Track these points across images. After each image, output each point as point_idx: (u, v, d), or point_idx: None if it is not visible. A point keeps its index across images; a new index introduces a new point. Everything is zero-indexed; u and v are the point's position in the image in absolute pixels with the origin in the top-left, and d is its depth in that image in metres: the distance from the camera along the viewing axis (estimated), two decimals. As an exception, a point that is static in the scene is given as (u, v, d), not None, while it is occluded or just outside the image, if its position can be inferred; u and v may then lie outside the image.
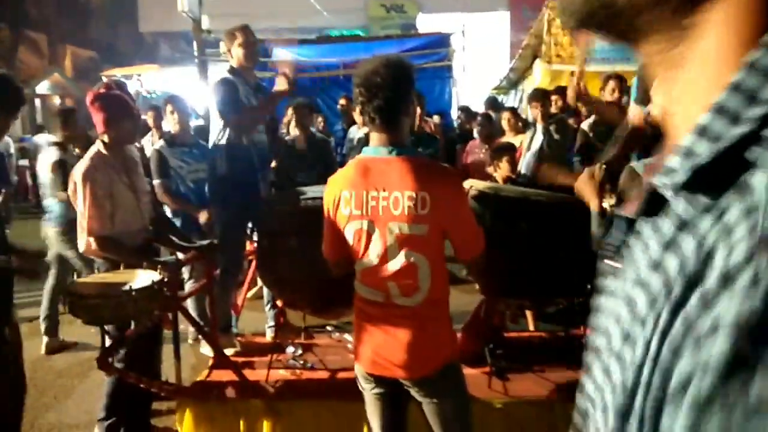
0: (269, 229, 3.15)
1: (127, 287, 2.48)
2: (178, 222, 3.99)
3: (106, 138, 2.97)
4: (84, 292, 2.50)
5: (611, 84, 5.18)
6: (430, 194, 1.82)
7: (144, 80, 16.33)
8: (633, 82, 3.19)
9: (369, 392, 2.07)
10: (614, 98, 5.05)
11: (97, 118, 2.95)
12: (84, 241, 2.93)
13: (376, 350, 1.97)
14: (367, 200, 1.87)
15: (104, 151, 2.96)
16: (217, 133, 3.56)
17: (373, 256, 1.90)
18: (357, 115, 4.54)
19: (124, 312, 2.50)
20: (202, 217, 3.94)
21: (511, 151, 4.58)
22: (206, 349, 4.19)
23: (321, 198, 3.03)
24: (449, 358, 2.00)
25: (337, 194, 1.94)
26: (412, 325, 1.92)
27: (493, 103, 6.80)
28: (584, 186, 2.22)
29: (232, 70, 3.62)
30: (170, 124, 4.28)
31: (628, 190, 2.04)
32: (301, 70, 10.21)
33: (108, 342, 2.88)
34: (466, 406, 2.09)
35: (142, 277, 2.65)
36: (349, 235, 1.93)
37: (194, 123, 11.36)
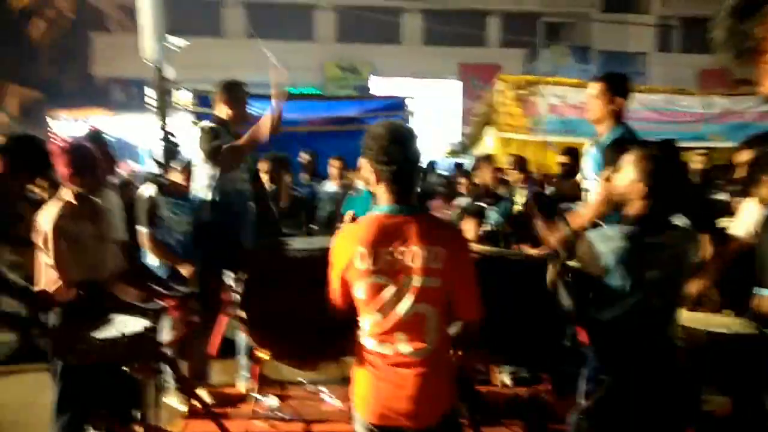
0: (254, 278, 3.19)
1: (119, 332, 2.47)
2: (165, 271, 3.94)
3: (73, 188, 2.98)
4: (76, 335, 2.47)
5: (565, 157, 5.65)
6: (444, 249, 1.97)
7: (93, 124, 16.05)
8: (588, 154, 3.47)
9: None
10: (566, 169, 5.50)
11: (63, 170, 2.95)
12: (49, 288, 2.89)
13: (382, 401, 2.03)
14: (383, 255, 1.98)
15: (73, 201, 2.96)
16: (203, 181, 3.62)
17: (386, 308, 1.99)
18: (367, 174, 4.63)
19: (115, 357, 2.48)
20: (185, 270, 3.88)
21: (479, 215, 4.83)
22: (171, 400, 4.10)
23: (308, 250, 3.17)
24: (451, 407, 2.10)
25: (351, 250, 2.02)
26: (418, 376, 2.00)
27: (459, 167, 7.14)
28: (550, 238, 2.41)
29: (218, 120, 3.70)
30: (176, 177, 4.22)
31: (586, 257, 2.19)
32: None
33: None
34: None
35: (132, 323, 2.64)
36: (362, 290, 2.01)
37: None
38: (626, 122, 3.30)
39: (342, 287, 2.09)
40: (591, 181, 3.38)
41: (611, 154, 3.04)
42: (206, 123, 3.73)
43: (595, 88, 3.28)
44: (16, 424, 3.94)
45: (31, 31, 21.13)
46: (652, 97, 9.45)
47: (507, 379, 4.53)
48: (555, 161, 6.33)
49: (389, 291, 1.98)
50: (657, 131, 3.31)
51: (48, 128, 16.49)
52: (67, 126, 15.61)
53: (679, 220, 2.20)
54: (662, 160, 2.13)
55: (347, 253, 2.03)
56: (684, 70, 20.04)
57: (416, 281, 1.96)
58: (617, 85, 3.27)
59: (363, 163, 4.59)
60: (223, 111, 3.75)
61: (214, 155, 3.52)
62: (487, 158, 5.28)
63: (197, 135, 3.68)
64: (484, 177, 4.99)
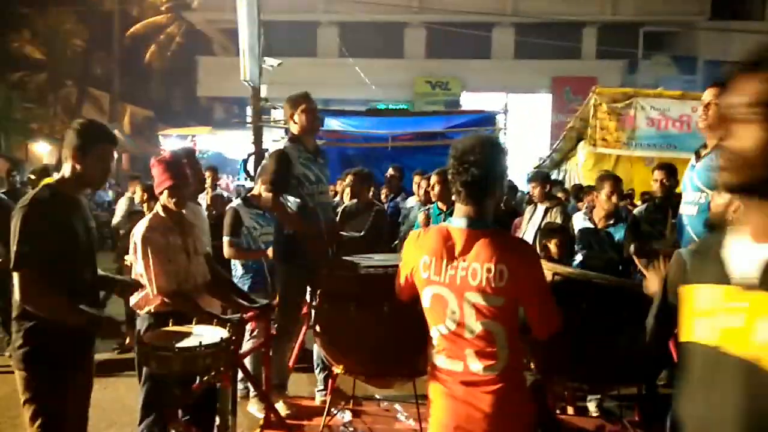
0: (330, 293, 3.22)
1: (199, 342, 2.57)
2: (249, 279, 4.09)
3: (164, 201, 3.13)
4: (157, 343, 2.60)
5: (661, 173, 5.29)
6: (507, 267, 1.89)
7: (197, 141, 17.19)
8: (701, 165, 3.23)
9: None
10: (663, 186, 5.16)
11: (156, 181, 3.12)
12: (140, 296, 3.06)
13: (454, 420, 1.98)
14: (446, 268, 1.95)
15: (162, 214, 3.12)
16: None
17: (450, 323, 1.96)
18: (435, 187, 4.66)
19: (193, 366, 2.58)
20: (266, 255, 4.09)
21: (561, 232, 4.60)
22: (253, 408, 4.21)
23: (384, 267, 3.16)
24: (528, 428, 2.03)
25: (418, 257, 2.03)
26: (491, 395, 1.93)
27: (545, 179, 6.75)
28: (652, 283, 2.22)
29: (292, 137, 3.77)
30: (260, 188, 4.40)
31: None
32: (351, 140, 10.59)
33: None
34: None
35: (212, 334, 2.74)
36: (427, 299, 2.01)
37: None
38: None
39: (409, 288, 2.12)
40: (704, 194, 3.13)
41: None
42: (280, 145, 3.80)
43: (714, 93, 3.05)
44: (108, 423, 4.19)
45: (144, 55, 22.94)
46: (765, 111, 8.72)
47: (592, 408, 4.30)
48: (651, 178, 5.93)
49: (453, 304, 1.95)
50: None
51: (159, 144, 17.78)
52: (174, 142, 16.77)
53: None
54: None
55: (414, 258, 2.05)
56: (803, 79, 18.40)
57: (479, 299, 1.91)
58: None
59: (434, 179, 4.49)
60: (293, 126, 3.79)
61: (273, 184, 3.57)
62: (610, 176, 4.93)
63: (269, 157, 3.77)
64: (606, 197, 4.66)
